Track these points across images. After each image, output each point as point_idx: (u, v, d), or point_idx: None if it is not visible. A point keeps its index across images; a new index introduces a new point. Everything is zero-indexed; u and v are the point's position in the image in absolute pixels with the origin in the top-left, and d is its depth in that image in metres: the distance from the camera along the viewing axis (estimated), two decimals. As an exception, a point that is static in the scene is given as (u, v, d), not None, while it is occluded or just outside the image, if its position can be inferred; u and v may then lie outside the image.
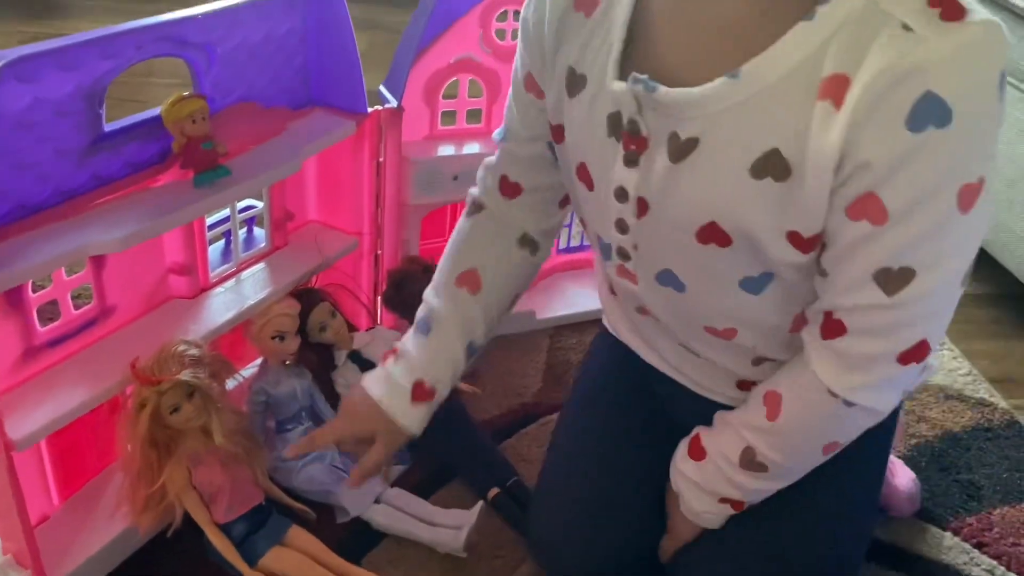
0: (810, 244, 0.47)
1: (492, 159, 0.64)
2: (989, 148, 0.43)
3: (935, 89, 0.39)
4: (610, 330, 0.71)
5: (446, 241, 0.94)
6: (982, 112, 0.41)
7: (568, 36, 0.52)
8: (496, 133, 0.63)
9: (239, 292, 0.76)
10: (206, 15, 0.64)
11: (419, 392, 0.62)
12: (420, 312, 0.64)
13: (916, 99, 0.40)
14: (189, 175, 0.67)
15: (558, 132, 0.56)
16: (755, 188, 0.45)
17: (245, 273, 0.78)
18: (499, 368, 0.94)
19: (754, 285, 0.51)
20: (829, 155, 0.42)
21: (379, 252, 0.90)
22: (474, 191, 0.65)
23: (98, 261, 0.66)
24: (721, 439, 0.57)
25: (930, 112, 0.40)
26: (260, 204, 0.80)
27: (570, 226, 1.04)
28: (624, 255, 0.55)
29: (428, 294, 0.65)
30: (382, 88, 0.85)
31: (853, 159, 0.42)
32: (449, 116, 0.90)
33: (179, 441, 0.67)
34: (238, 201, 0.76)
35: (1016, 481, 0.85)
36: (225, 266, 0.77)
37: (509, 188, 0.62)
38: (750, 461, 0.55)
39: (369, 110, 0.81)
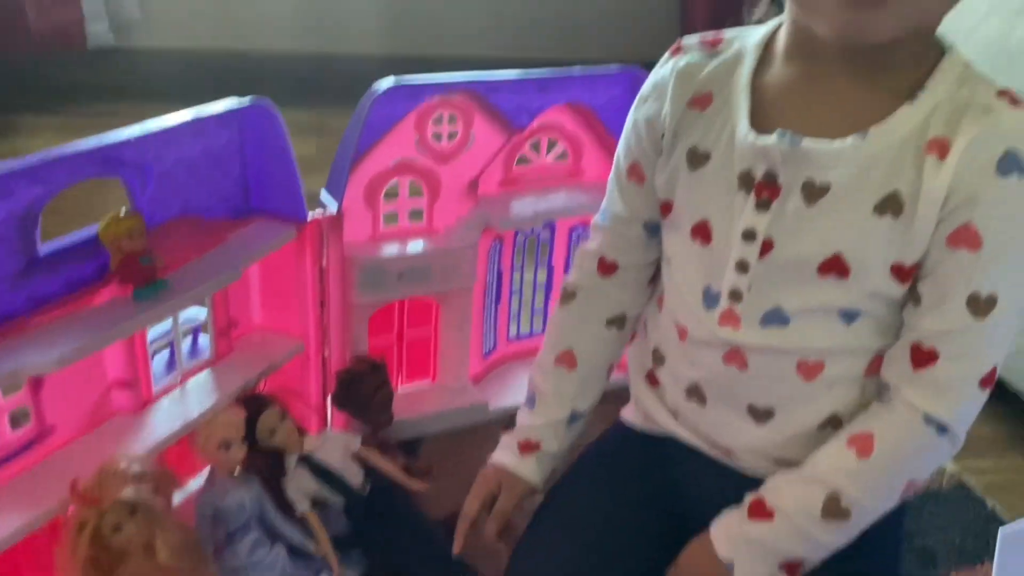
0: (909, 274, 0.58)
1: (587, 245, 0.74)
2: None
3: (1014, 148, 0.54)
4: (633, 422, 0.75)
5: (394, 337, 0.97)
6: None
7: (687, 129, 0.64)
8: (597, 218, 0.74)
9: (184, 403, 0.76)
10: (141, 137, 0.65)
11: (525, 447, 0.74)
12: (528, 387, 0.76)
13: (1002, 154, 0.54)
14: (129, 290, 0.68)
15: (667, 207, 0.66)
16: (876, 224, 0.57)
17: (190, 383, 0.78)
18: (453, 463, 0.93)
19: (848, 317, 0.60)
20: (938, 194, 0.55)
21: (326, 354, 0.90)
22: (568, 280, 0.75)
23: (36, 381, 0.66)
24: (795, 492, 0.61)
25: (1012, 163, 0.54)
26: (203, 313, 0.80)
27: (519, 314, 1.06)
28: (736, 296, 0.62)
29: (533, 374, 0.76)
30: (323, 193, 0.87)
31: (957, 196, 0.54)
32: (391, 217, 0.92)
33: (123, 562, 0.66)
34: (180, 312, 0.77)
35: (969, 544, 0.85)
36: (169, 377, 0.77)
37: (606, 267, 0.72)
38: (835, 508, 0.59)
39: (311, 214, 0.82)
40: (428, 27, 2.21)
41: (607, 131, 0.96)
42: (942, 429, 0.59)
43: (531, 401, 0.76)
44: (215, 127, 0.74)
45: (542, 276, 1.05)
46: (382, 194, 0.89)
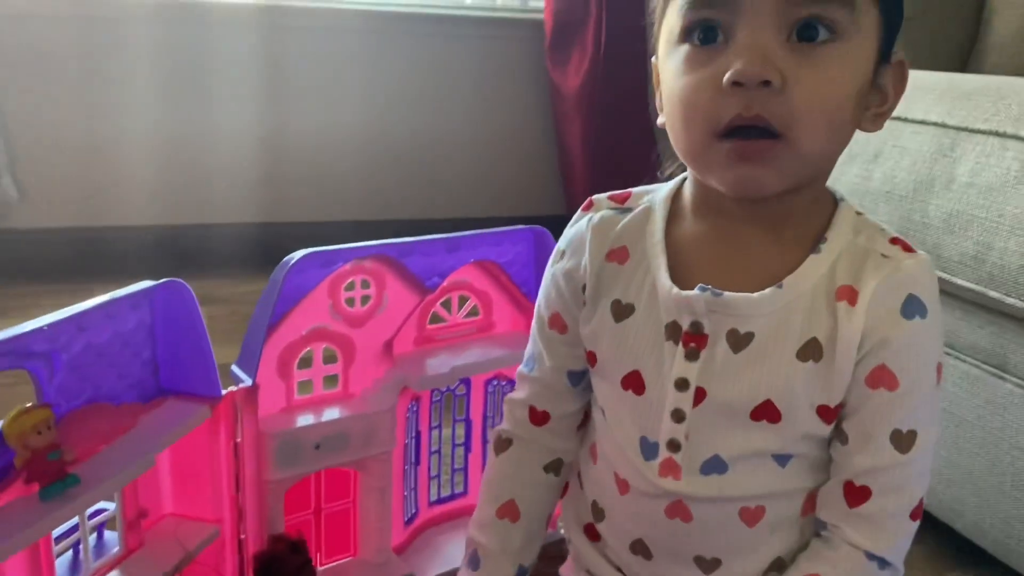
0: (833, 414, 0.60)
1: (516, 395, 0.74)
2: (942, 339, 0.63)
3: (914, 293, 0.58)
4: None
5: (311, 514, 0.92)
6: (938, 311, 0.60)
7: (607, 282, 0.65)
8: (522, 368, 0.74)
9: (92, 609, 0.69)
10: (51, 325, 0.63)
11: None
12: (467, 548, 0.73)
13: (905, 298, 0.58)
14: (34, 489, 0.63)
15: (592, 357, 0.67)
16: (800, 368, 0.59)
17: (98, 585, 0.72)
18: (384, 642, 0.88)
19: (782, 459, 0.62)
20: (853, 338, 0.58)
21: (242, 536, 0.85)
22: (502, 427, 0.75)
23: (-74, 603, 0.59)
24: None
25: (915, 307, 0.58)
26: (112, 506, 0.75)
27: (438, 477, 1.03)
28: (675, 447, 0.62)
29: (473, 533, 0.73)
30: (235, 368, 0.84)
31: (870, 340, 0.58)
32: (305, 385, 0.90)
33: None
34: (88, 508, 0.71)
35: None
36: (74, 581, 0.71)
37: (537, 417, 0.72)
38: None
39: (224, 392, 0.80)
40: (305, 192, 2.23)
41: (515, 285, 0.98)
42: (883, 563, 0.60)
43: (473, 562, 0.72)
44: (126, 309, 0.72)
45: (460, 432, 1.04)
46: (295, 363, 0.88)
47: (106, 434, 0.71)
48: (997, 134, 0.92)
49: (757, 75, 0.52)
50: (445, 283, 0.94)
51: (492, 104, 2.33)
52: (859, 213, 0.62)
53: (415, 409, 0.98)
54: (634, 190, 0.69)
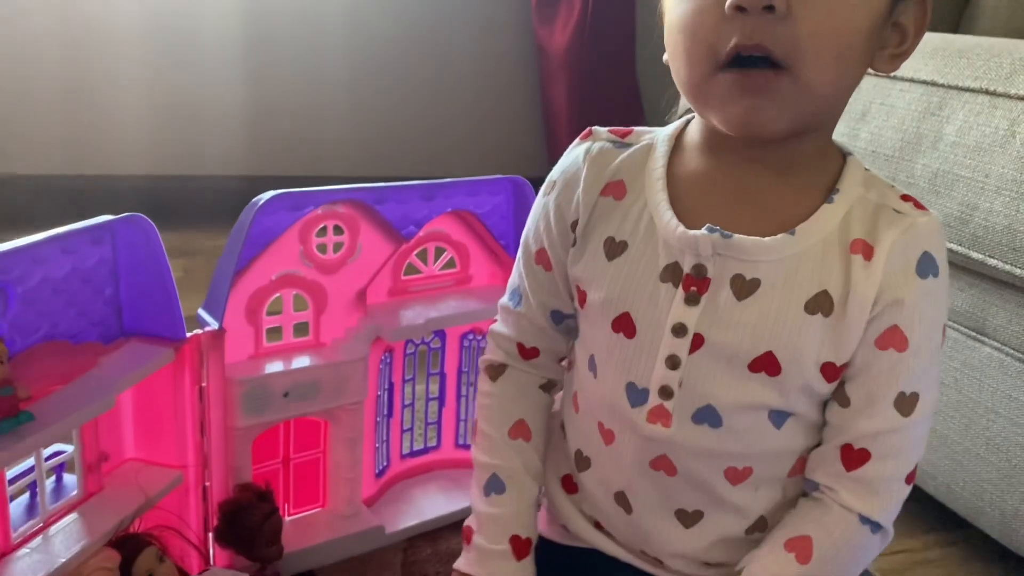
0: (837, 373, 0.58)
1: (501, 328, 0.71)
2: (949, 299, 0.60)
3: (929, 250, 0.56)
4: (550, 537, 0.70)
5: (280, 463, 0.91)
6: (947, 270, 0.58)
7: (602, 218, 0.62)
8: (505, 300, 0.70)
9: (48, 551, 0.67)
10: (3, 255, 0.60)
11: (518, 547, 0.65)
12: (483, 474, 0.68)
13: (920, 256, 0.56)
14: (-15, 426, 0.61)
15: (582, 297, 0.64)
16: (807, 321, 0.56)
17: (54, 528, 0.70)
18: (351, 593, 0.87)
19: (779, 418, 0.59)
20: (869, 295, 0.56)
21: (207, 484, 0.83)
22: (492, 357, 0.71)
23: None
24: None
25: (929, 265, 0.56)
26: (70, 448, 0.73)
27: (411, 430, 1.02)
28: (667, 393, 0.59)
29: (482, 457, 0.68)
30: (201, 311, 0.82)
31: (884, 298, 0.56)
32: (275, 332, 0.88)
33: None
34: (44, 448, 0.69)
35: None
36: (30, 523, 0.68)
37: (526, 352, 0.70)
38: None
39: (188, 335, 0.77)
40: (289, 147, 2.20)
41: (493, 237, 0.96)
42: (876, 527, 0.59)
43: (496, 486, 0.67)
44: (86, 244, 0.69)
45: (434, 387, 1.02)
46: (264, 309, 0.86)
47: (64, 373, 0.68)
48: (987, 92, 0.90)
49: None
50: (421, 233, 0.92)
51: (477, 62, 2.30)
52: (866, 169, 0.60)
53: (388, 361, 0.96)
54: (636, 128, 0.65)
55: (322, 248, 0.87)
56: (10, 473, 0.67)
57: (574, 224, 0.63)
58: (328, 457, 0.92)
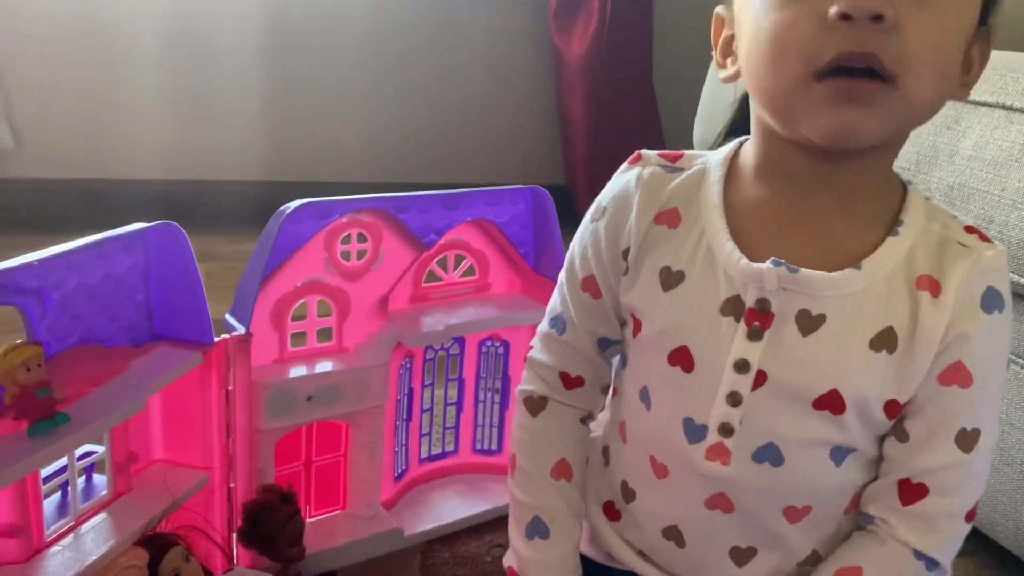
0: (899, 410, 0.56)
1: (542, 356, 0.68)
2: (1012, 333, 0.60)
3: (994, 284, 0.55)
4: (593, 556, 0.70)
5: (302, 465, 0.92)
6: (1010, 304, 0.57)
7: (655, 246, 0.60)
8: (545, 327, 0.68)
9: (79, 548, 0.69)
10: (43, 261, 0.62)
11: None
12: (524, 515, 0.66)
13: (984, 291, 0.55)
14: (23, 426, 0.62)
15: (637, 326, 0.61)
16: (872, 359, 0.55)
17: (85, 526, 0.72)
18: (370, 594, 0.89)
19: (839, 455, 0.58)
20: (937, 333, 0.54)
21: (232, 485, 0.85)
22: (532, 388, 0.68)
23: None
24: None
25: (995, 300, 0.55)
26: (100, 449, 0.75)
27: (429, 434, 1.04)
28: (727, 431, 0.58)
29: (522, 496, 0.67)
30: (228, 316, 0.84)
31: (951, 334, 0.54)
32: (299, 337, 0.90)
33: None
34: (77, 448, 0.71)
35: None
36: (62, 521, 0.70)
37: (571, 381, 0.67)
38: None
39: (216, 339, 0.79)
40: (308, 153, 2.22)
41: (512, 246, 0.98)
42: (932, 564, 0.58)
43: (539, 529, 0.65)
44: (119, 251, 0.71)
45: (452, 392, 1.04)
46: (290, 315, 0.87)
47: (96, 376, 0.70)
48: (1004, 107, 0.91)
49: (872, 7, 0.46)
50: (442, 241, 0.94)
51: (495, 70, 2.32)
52: (928, 199, 0.58)
53: (408, 366, 0.98)
54: (686, 152, 0.63)
55: (346, 255, 0.89)
56: (43, 473, 0.69)
57: (626, 252, 0.61)
58: (349, 460, 0.94)
